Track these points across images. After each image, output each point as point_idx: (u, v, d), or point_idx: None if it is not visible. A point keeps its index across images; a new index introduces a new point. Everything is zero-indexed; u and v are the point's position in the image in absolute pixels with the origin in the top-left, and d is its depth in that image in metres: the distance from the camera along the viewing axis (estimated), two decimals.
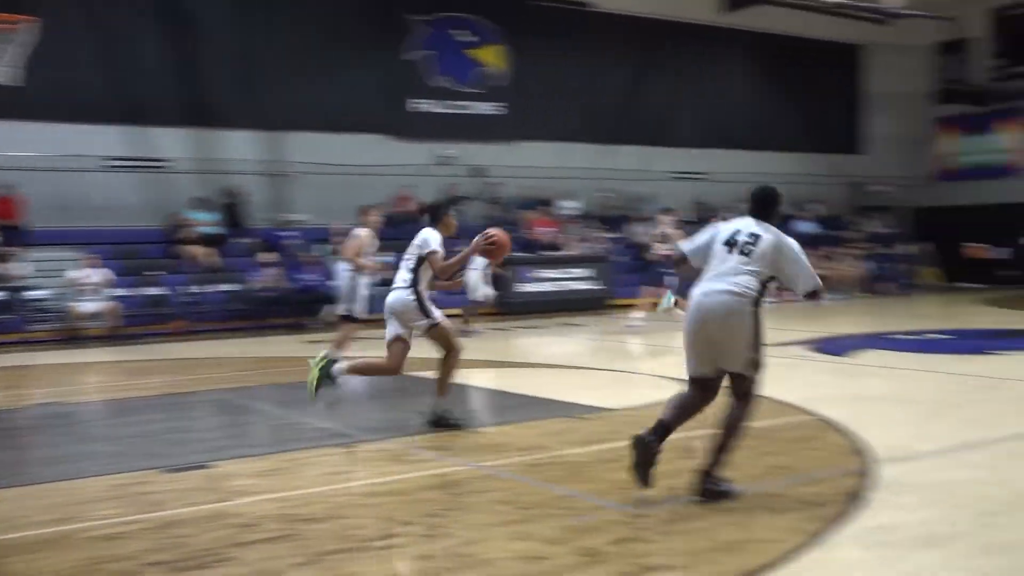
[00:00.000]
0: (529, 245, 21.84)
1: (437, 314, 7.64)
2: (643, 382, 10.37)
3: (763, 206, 5.67)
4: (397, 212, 21.97)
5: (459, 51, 23.32)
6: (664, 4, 25.19)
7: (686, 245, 5.85)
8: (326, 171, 20.92)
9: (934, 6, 26.96)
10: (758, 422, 7.77)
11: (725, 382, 5.55)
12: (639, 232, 23.73)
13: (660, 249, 15.70)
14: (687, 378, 5.62)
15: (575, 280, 20.90)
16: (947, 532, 4.79)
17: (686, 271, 5.82)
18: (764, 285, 5.45)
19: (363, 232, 11.15)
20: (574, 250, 22.06)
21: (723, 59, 26.56)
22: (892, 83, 29.02)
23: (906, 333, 14.93)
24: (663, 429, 5.50)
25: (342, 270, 11.03)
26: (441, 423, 7.65)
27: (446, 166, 22.63)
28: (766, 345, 5.50)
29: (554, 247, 22.07)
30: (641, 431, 5.49)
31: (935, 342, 14.04)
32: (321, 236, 20.31)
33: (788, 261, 5.46)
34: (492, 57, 23.65)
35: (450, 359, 7.70)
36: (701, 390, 5.59)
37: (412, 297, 7.61)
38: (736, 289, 5.39)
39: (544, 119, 23.75)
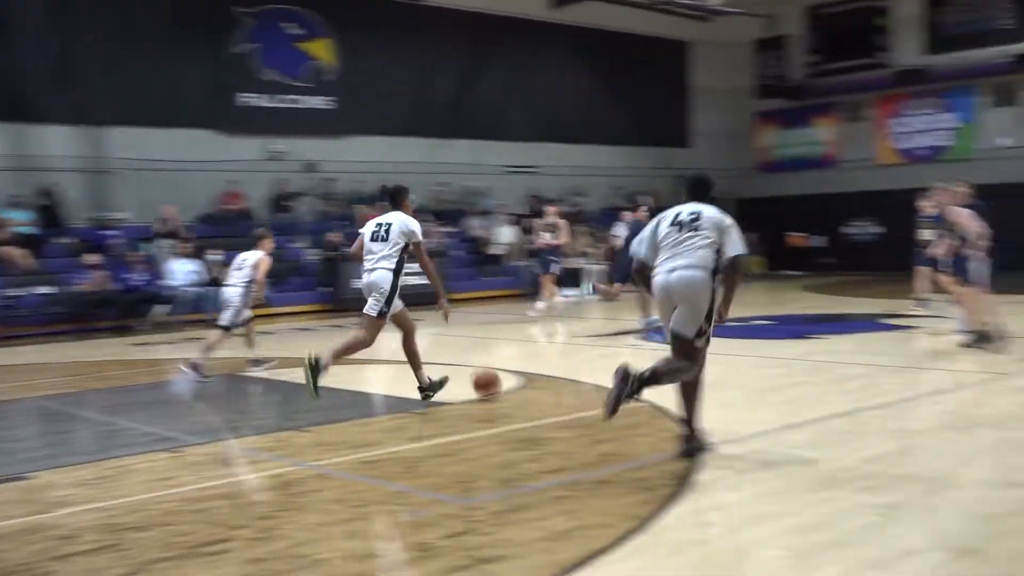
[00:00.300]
0: None
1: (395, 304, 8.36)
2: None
3: (699, 189, 6.35)
4: (225, 209, 21.45)
5: (288, 44, 22.87)
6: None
7: (639, 250, 6.28)
8: (150, 167, 20.19)
9: (753, 4, 28.04)
10: (589, 411, 7.93)
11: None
12: (475, 226, 23.87)
13: (547, 239, 16.71)
14: (669, 335, 6.16)
15: (411, 275, 20.72)
16: (771, 510, 4.98)
17: (645, 275, 6.26)
18: (718, 255, 5.98)
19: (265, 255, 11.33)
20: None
21: (553, 54, 26.91)
22: (716, 79, 30.07)
23: (732, 320, 15.45)
24: (645, 380, 5.95)
25: (238, 284, 11.12)
26: (432, 388, 8.48)
27: (277, 161, 22.18)
28: (712, 316, 6.06)
29: None
30: (632, 370, 5.89)
31: (760, 328, 14.59)
32: (146, 234, 19.62)
33: (723, 230, 6.02)
34: (322, 51, 23.29)
35: (410, 342, 8.53)
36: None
37: (392, 278, 8.32)
38: (698, 263, 5.95)
39: (375, 113, 23.55)
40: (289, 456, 6.65)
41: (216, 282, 18.56)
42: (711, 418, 7.25)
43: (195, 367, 10.56)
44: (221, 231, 20.80)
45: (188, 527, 5.05)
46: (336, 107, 23.30)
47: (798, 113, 29.47)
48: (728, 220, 6.10)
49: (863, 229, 27.54)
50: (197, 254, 18.99)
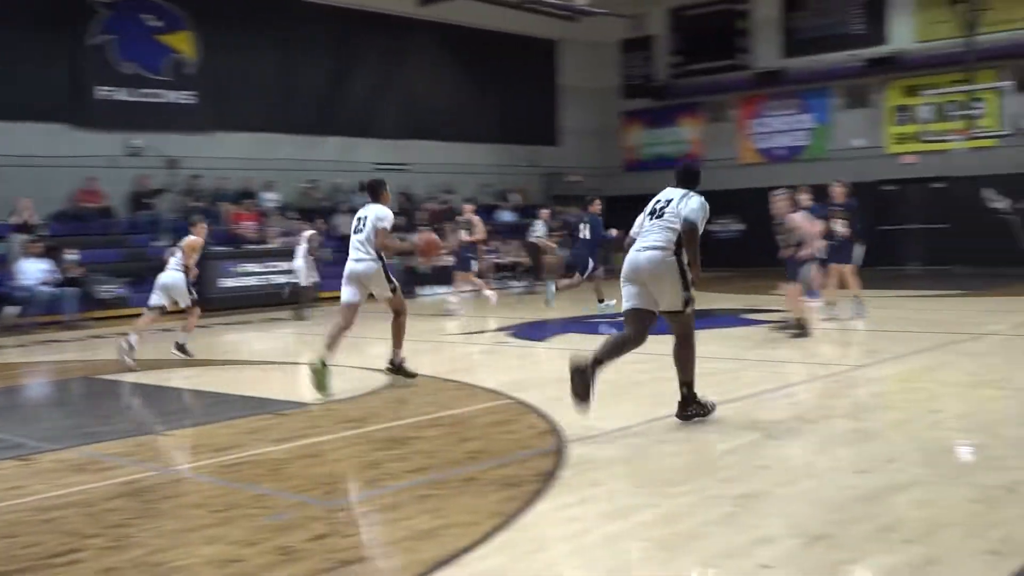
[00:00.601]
0: (231, 238, 21.17)
1: (395, 282, 9.09)
2: (345, 375, 10.27)
3: (686, 178, 7.15)
4: (82, 207, 20.69)
5: (148, 36, 22.17)
6: None
7: (634, 231, 7.05)
8: (2, 163, 19.32)
9: (619, 5, 28.49)
10: (455, 409, 7.94)
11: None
12: (345, 224, 23.60)
13: (464, 236, 17.39)
14: (623, 313, 7.00)
15: (279, 274, 20.38)
16: (634, 503, 5.06)
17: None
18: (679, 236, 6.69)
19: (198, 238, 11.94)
20: (277, 243, 21.60)
21: (423, 51, 26.82)
22: (584, 78, 30.49)
23: (602, 317, 15.68)
24: (596, 361, 6.68)
25: (174, 268, 11.74)
26: (400, 371, 9.11)
27: (136, 157, 21.49)
28: (693, 286, 6.86)
29: (257, 240, 21.51)
30: (579, 362, 6.57)
31: (619, 324, 14.82)
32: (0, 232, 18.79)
33: (685, 206, 6.74)
34: (182, 44, 22.65)
35: (400, 319, 9.18)
36: (633, 323, 6.97)
37: (379, 266, 8.94)
38: (661, 243, 6.73)
39: (240, 109, 23.04)
40: (148, 461, 6.45)
41: (74, 282, 17.90)
42: (574, 413, 7.34)
43: (181, 347, 11.62)
44: (78, 229, 20.06)
45: (35, 538, 4.84)
46: (198, 102, 22.71)
47: (664, 113, 30.09)
48: (693, 200, 6.78)
49: (726, 227, 28.24)
50: (51, 253, 18.25)
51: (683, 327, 7.00)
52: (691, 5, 29.19)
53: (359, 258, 8.99)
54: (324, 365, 8.58)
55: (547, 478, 5.55)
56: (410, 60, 26.52)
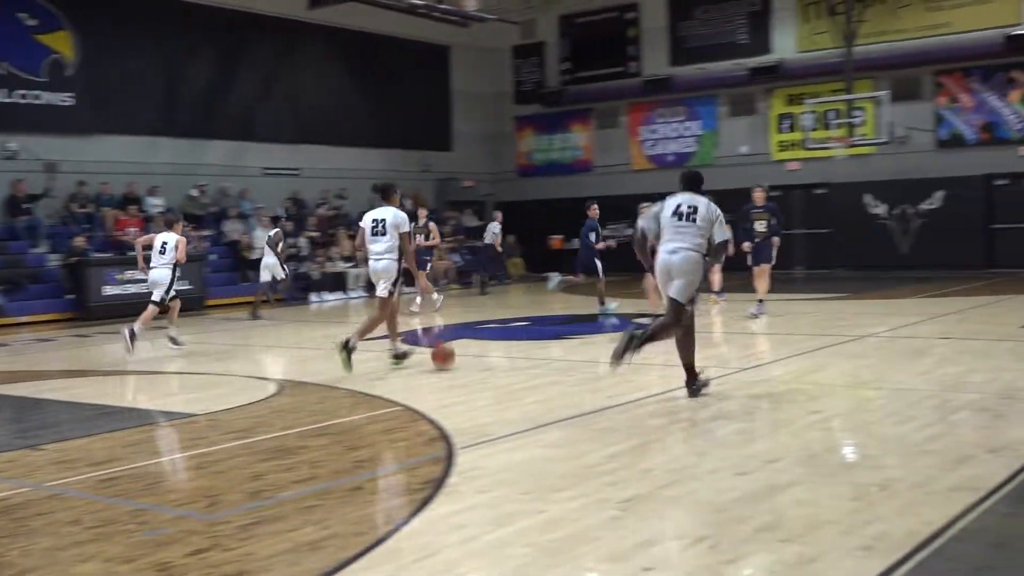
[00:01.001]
0: (115, 245, 20.57)
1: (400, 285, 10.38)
2: (232, 384, 10.09)
3: (693, 183, 8.20)
4: None
5: (25, 36, 21.39)
6: None
7: (648, 227, 8.09)
8: None
9: (510, 11, 28.67)
10: (345, 417, 7.86)
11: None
12: (233, 230, 23.16)
13: (422, 241, 18.15)
14: (666, 300, 8.07)
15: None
16: (520, 509, 5.07)
17: (643, 246, 8.20)
18: (708, 241, 7.91)
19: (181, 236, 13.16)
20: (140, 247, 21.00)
21: (312, 54, 26.48)
22: (477, 83, 30.56)
23: (493, 322, 15.74)
24: (648, 338, 7.93)
25: (164, 265, 12.96)
26: (400, 356, 10.32)
27: (12, 160, 20.72)
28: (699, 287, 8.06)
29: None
30: (634, 331, 7.92)
31: (517, 329, 14.92)
32: None
33: (712, 221, 7.93)
34: (61, 44, 21.90)
35: (384, 316, 10.30)
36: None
37: (396, 265, 10.16)
38: (693, 247, 7.88)
39: (122, 111, 22.37)
40: (19, 477, 6.22)
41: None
42: (463, 420, 7.35)
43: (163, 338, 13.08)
44: None
45: None
46: (77, 104, 21.96)
47: (556, 119, 30.36)
48: (716, 212, 7.96)
49: (619, 232, 28.60)
50: None
51: (683, 317, 8.02)
52: (581, 12, 29.52)
53: (379, 257, 10.20)
54: (347, 345, 9.90)
55: (435, 485, 5.53)
56: (300, 63, 26.18)
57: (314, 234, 24.23)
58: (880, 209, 24.78)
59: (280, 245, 18.39)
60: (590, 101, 29.56)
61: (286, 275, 18.87)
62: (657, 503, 5.13)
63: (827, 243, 25.36)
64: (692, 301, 8.03)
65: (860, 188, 24.89)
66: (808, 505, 5.02)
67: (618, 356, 7.87)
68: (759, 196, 14.88)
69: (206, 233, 22.58)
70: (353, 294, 22.45)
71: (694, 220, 7.92)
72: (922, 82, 24.60)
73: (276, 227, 19.16)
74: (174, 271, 12.94)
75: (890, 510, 4.89)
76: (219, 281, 21.77)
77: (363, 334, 10.21)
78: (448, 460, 6.13)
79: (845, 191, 25.08)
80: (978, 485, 5.23)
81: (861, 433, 6.84)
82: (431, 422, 7.35)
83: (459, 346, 12.38)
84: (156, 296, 12.89)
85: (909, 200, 24.37)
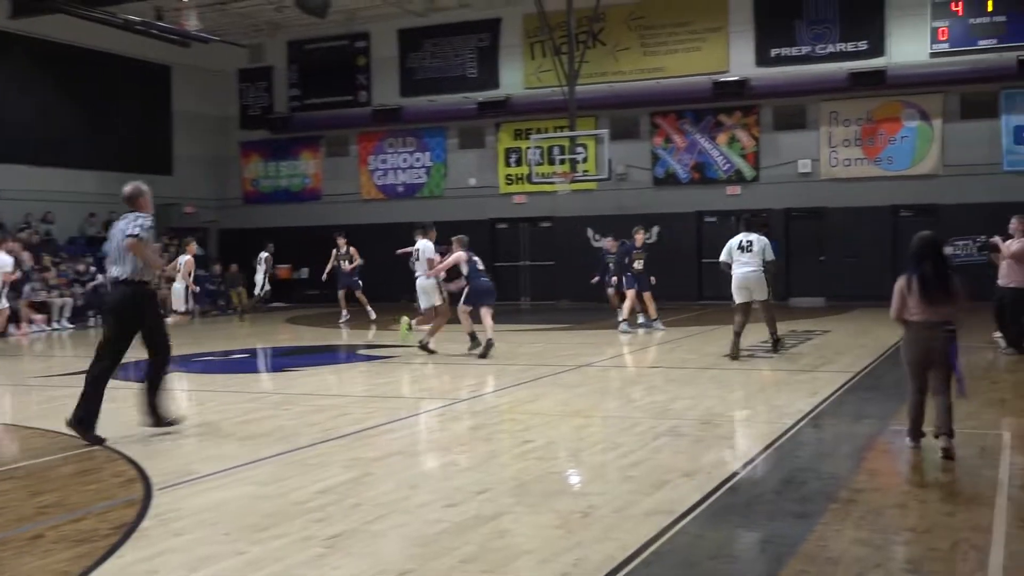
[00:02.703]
0: None
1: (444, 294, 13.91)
2: None
3: (753, 224, 13.24)
4: None
5: None
6: None
7: (725, 258, 12.84)
8: None
9: (236, 34, 28.02)
10: (34, 459, 7.33)
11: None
12: None
13: (346, 266, 21.35)
14: (736, 305, 12.75)
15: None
16: (218, 551, 4.87)
17: (727, 269, 12.86)
18: (764, 263, 12.72)
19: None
20: None
21: (16, 66, 24.72)
22: (201, 106, 29.57)
23: (214, 354, 15.22)
24: (737, 336, 12.62)
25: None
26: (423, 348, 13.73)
27: None
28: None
29: None
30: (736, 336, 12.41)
31: (237, 362, 14.49)
32: None
33: (764, 248, 12.75)
34: None
35: (441, 320, 13.98)
36: (743, 313, 12.71)
37: (434, 281, 13.84)
38: (755, 267, 12.68)
39: None
40: None
41: None
42: (166, 459, 7.03)
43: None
44: None
45: None
46: None
47: (284, 145, 29.87)
48: (764, 242, 12.87)
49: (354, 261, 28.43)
50: None
51: (769, 307, 13.17)
52: (310, 39, 29.22)
53: (417, 277, 14.00)
54: (411, 327, 14.21)
55: (126, 530, 5.23)
56: None
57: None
58: (603, 243, 25.93)
59: None
60: (320, 128, 29.32)
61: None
62: (364, 538, 5.07)
63: (552, 275, 26.28)
64: (770, 295, 13.08)
65: (583, 222, 25.94)
66: (511, 535, 5.11)
67: (732, 357, 12.54)
68: (639, 238, 17.58)
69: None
70: (57, 325, 21.07)
71: (751, 250, 12.75)
72: (640, 122, 26.01)
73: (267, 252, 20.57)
74: (187, 286, 14.68)
75: (590, 536, 5.05)
76: None
77: (434, 333, 13.87)
78: (144, 502, 5.82)
79: (569, 225, 26.08)
80: (672, 508, 5.51)
81: (570, 461, 7.05)
82: (130, 462, 6.97)
83: (174, 380, 11.88)
84: (180, 307, 14.37)
85: (628, 234, 25.61)
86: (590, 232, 25.87)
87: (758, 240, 12.77)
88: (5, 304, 16.61)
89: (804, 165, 24.32)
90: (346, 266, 21.28)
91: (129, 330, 7.94)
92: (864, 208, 23.64)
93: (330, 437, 7.86)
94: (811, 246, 24.27)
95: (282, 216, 29.20)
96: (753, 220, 13.44)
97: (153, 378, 8.17)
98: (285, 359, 14.81)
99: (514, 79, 26.95)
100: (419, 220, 26.48)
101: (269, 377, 12.75)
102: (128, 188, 8.55)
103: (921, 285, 6.78)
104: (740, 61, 24.66)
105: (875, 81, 23.17)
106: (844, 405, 9.11)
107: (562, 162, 24.82)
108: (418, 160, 28.26)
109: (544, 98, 25.91)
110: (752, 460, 6.85)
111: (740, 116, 24.98)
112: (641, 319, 17.53)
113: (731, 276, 12.76)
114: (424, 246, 14.11)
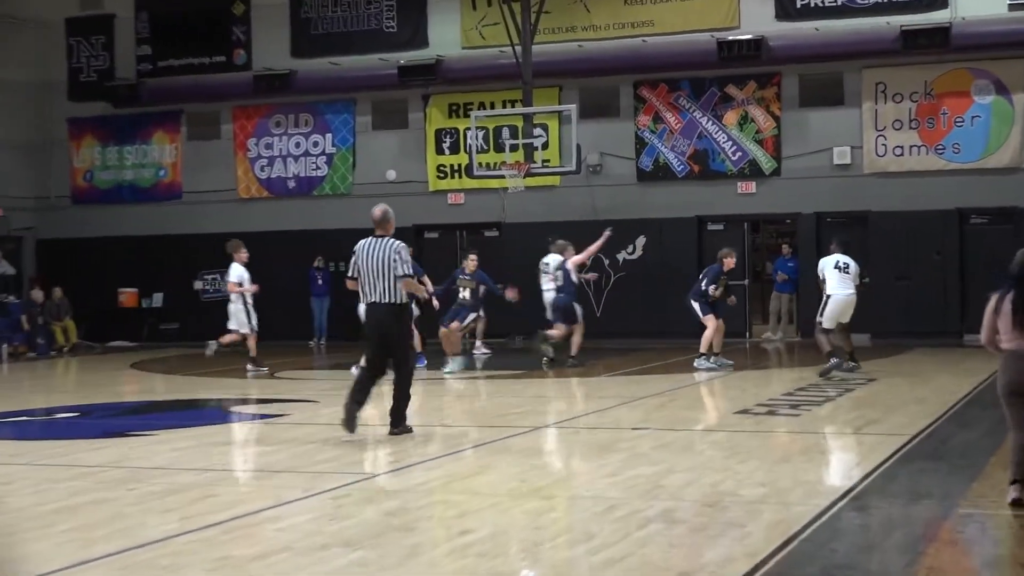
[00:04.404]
0: None
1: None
2: None
3: (847, 248, 17.43)
4: None
5: None
6: None
7: (821, 276, 17.07)
8: None
9: None
10: None
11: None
12: None
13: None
14: (828, 328, 16.57)
15: None
16: None
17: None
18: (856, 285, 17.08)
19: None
20: None
21: None
22: (14, 69, 29.09)
23: (31, 413, 15.07)
24: (846, 353, 16.91)
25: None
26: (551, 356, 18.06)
27: None
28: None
29: None
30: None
31: (62, 424, 14.33)
32: None
33: (858, 272, 17.15)
34: None
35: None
36: (840, 331, 16.91)
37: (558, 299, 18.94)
38: (852, 289, 16.81)
39: None
40: None
41: None
42: None
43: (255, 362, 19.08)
44: None
45: None
46: None
47: (131, 123, 29.60)
48: (854, 265, 16.92)
49: (222, 284, 28.10)
50: None
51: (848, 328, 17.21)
52: None
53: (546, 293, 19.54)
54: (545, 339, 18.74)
55: None
56: None
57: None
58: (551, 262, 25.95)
59: None
60: (180, 101, 29.10)
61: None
62: None
63: (500, 302, 26.15)
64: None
65: (542, 230, 25.79)
66: None
67: (823, 375, 16.24)
68: (471, 264, 19.92)
69: None
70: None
71: (848, 272, 16.72)
72: (620, 95, 26.14)
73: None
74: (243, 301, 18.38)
75: None
76: None
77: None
78: None
79: (524, 233, 25.95)
80: None
81: (524, 559, 7.02)
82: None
83: None
84: (245, 327, 18.40)
85: (604, 248, 25.67)
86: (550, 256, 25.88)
87: (852, 263, 16.94)
88: None
89: (841, 154, 24.64)
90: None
91: None
92: (921, 213, 24.01)
93: (190, 528, 7.77)
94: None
95: (127, 221, 28.88)
96: (846, 241, 18.11)
97: None
98: (129, 419, 14.66)
99: (448, 36, 26.98)
100: (317, 226, 26.57)
101: (104, 444, 12.58)
102: None
103: (1014, 308, 7.67)
104: (755, 13, 24.97)
105: (936, 42, 23.44)
106: (896, 480, 9.16)
107: (514, 149, 24.81)
108: (316, 145, 28.20)
109: (489, 61, 26.00)
110: (772, 556, 6.85)
111: (755, 88, 25.26)
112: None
113: (828, 299, 16.66)
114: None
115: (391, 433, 11.62)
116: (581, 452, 11.17)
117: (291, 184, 28.35)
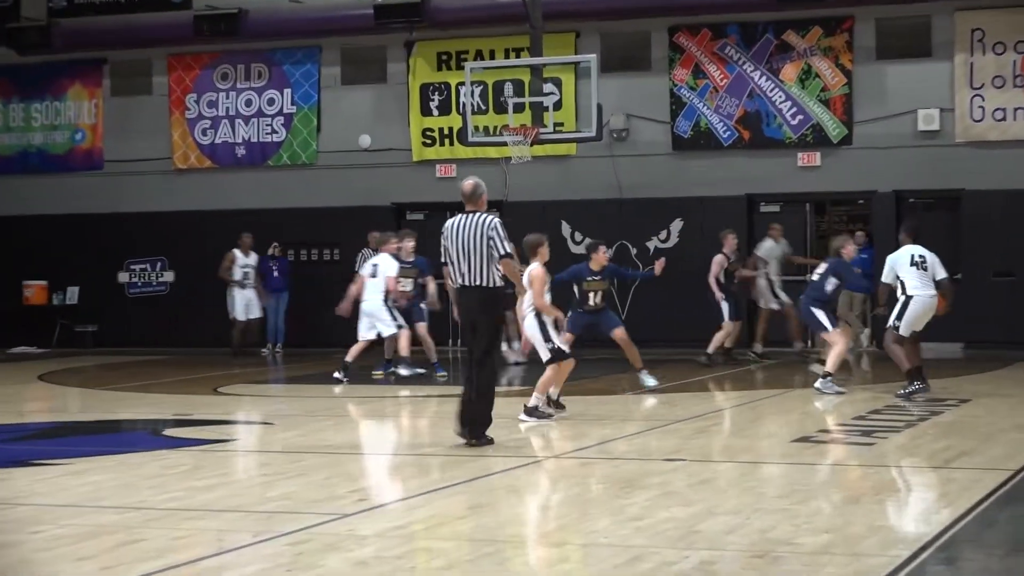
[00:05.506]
0: None
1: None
2: None
3: (918, 233, 17.40)
4: None
5: None
6: None
7: (888, 279, 16.97)
8: None
9: None
10: None
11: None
12: None
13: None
14: (906, 335, 16.79)
15: None
16: None
17: (890, 292, 17.09)
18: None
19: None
20: None
21: None
22: None
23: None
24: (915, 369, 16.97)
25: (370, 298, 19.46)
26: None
27: None
28: None
29: None
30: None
31: None
32: None
33: (936, 266, 16.90)
34: None
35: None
36: (911, 340, 16.96)
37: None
38: (933, 289, 16.72)
39: None
40: None
41: None
42: None
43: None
44: None
45: None
46: None
47: (40, 75, 29.70)
48: (936, 258, 16.85)
49: (153, 277, 28.16)
50: None
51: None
52: None
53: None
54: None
55: None
56: None
57: None
58: (584, 247, 25.90)
59: None
60: (102, 47, 29.13)
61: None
62: None
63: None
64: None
65: (552, 211, 25.82)
66: None
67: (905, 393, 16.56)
68: (408, 248, 20.09)
69: None
70: None
71: (925, 267, 16.53)
72: (652, 43, 26.14)
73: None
74: (386, 299, 19.14)
75: None
76: None
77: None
78: None
79: (530, 214, 25.88)
80: None
81: None
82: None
83: None
84: (385, 331, 19.40)
85: (631, 233, 25.64)
86: (564, 229, 25.85)
87: (929, 255, 16.73)
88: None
89: (928, 119, 24.75)
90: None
91: None
92: None
93: None
94: (940, 255, 24.45)
95: (34, 197, 28.91)
96: (920, 229, 17.74)
97: None
98: (36, 444, 14.67)
99: None
100: (272, 205, 26.56)
101: (6, 476, 12.58)
102: None
103: None
104: None
105: None
106: (994, 526, 9.16)
107: (519, 109, 24.79)
108: (272, 103, 28.30)
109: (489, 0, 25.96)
110: None
111: (820, 35, 25.35)
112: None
113: (909, 301, 16.59)
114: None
115: (469, 444, 12.62)
116: (599, 488, 11.16)
117: (240, 152, 28.40)
